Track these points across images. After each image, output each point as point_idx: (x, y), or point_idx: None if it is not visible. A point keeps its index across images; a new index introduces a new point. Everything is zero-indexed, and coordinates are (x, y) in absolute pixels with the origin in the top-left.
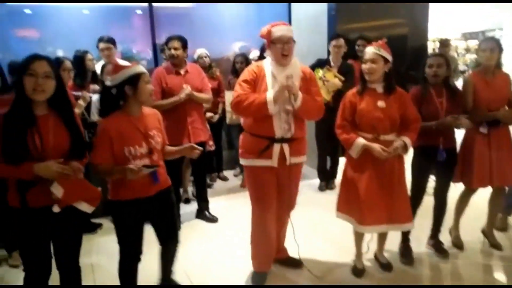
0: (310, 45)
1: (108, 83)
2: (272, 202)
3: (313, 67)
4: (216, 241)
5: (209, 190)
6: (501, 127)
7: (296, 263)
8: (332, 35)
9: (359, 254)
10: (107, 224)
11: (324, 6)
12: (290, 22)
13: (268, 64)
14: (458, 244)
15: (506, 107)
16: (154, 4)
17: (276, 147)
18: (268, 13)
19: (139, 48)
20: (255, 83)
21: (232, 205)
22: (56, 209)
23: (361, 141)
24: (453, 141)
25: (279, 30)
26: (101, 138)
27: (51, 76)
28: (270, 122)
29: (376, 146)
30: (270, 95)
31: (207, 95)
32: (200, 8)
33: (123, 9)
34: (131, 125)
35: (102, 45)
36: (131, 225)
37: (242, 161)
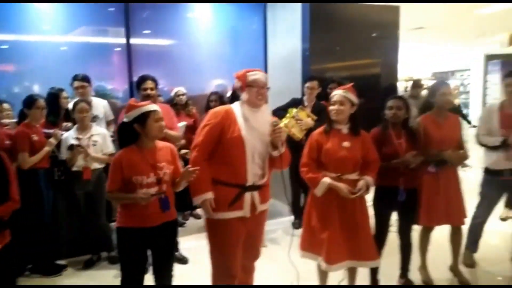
0: (284, 84)
1: (124, 119)
2: (238, 259)
3: (288, 106)
4: (187, 283)
5: (181, 229)
6: (449, 167)
7: None
8: (307, 77)
9: None
10: (72, 265)
11: (298, 46)
12: (265, 61)
13: (238, 107)
14: (427, 282)
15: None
16: (132, 41)
17: (247, 196)
18: (245, 52)
19: (117, 85)
20: (222, 127)
21: (204, 245)
22: None
23: (326, 180)
24: (414, 182)
25: (255, 74)
26: (113, 168)
27: None
28: (243, 167)
29: (342, 186)
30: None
31: (177, 133)
32: (178, 45)
33: (101, 45)
34: (141, 157)
35: (76, 83)
36: (133, 252)
37: (212, 215)
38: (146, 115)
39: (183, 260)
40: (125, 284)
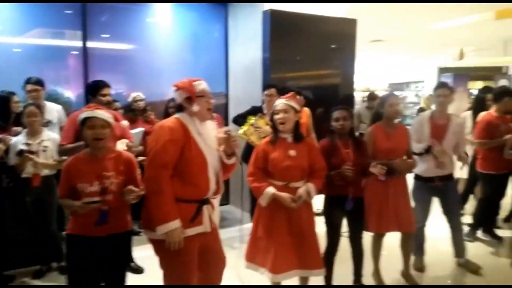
0: (246, 92)
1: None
2: (195, 277)
3: (247, 114)
4: None
5: (137, 238)
6: (398, 176)
7: None
8: (265, 85)
9: None
10: (21, 276)
11: (259, 55)
12: (227, 69)
13: (188, 120)
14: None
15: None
16: (89, 45)
17: (205, 209)
18: (207, 59)
19: (73, 89)
20: (183, 144)
21: None
22: None
23: (270, 190)
24: (362, 191)
25: (201, 83)
26: (62, 174)
27: None
28: (206, 183)
29: (285, 196)
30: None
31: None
32: (138, 50)
33: (57, 48)
34: (88, 165)
35: (29, 86)
36: (80, 260)
37: (163, 236)
38: (82, 122)
39: (138, 270)
40: None
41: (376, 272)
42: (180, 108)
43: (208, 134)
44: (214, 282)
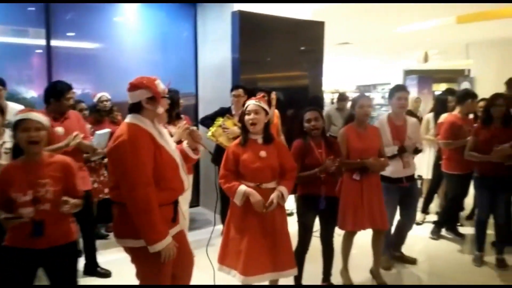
0: (215, 93)
1: None
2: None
3: (215, 115)
4: None
5: (103, 242)
6: (372, 174)
7: None
8: (233, 86)
9: None
10: None
11: (228, 56)
12: (196, 69)
13: (144, 124)
14: (348, 285)
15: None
16: (53, 43)
17: (179, 209)
18: (175, 59)
19: (36, 89)
20: (151, 153)
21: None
22: None
23: (242, 188)
24: (334, 190)
25: (161, 83)
26: None
27: None
28: (180, 184)
29: (257, 200)
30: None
31: (88, 142)
32: (104, 49)
33: (20, 47)
34: (21, 172)
35: None
36: (11, 274)
37: (138, 243)
38: (15, 125)
39: (106, 274)
40: None
41: (345, 269)
42: (132, 110)
43: (166, 134)
44: (186, 278)
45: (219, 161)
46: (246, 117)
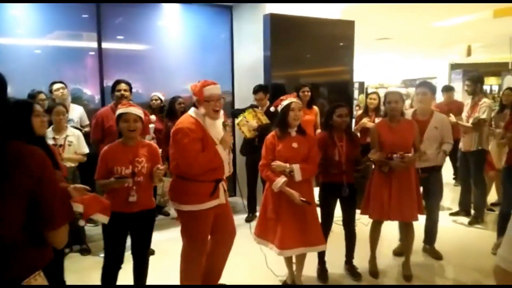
0: (249, 91)
1: None
2: (207, 241)
3: (245, 109)
4: (153, 271)
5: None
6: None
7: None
8: (254, 89)
9: (291, 273)
10: None
11: (261, 55)
12: (232, 68)
13: (199, 117)
14: (373, 272)
15: (412, 151)
16: (104, 46)
17: (221, 186)
18: (214, 59)
19: (91, 88)
20: (199, 139)
21: (168, 239)
22: (81, 222)
23: (280, 180)
24: (353, 178)
25: (210, 89)
26: (100, 160)
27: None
28: (221, 167)
29: (295, 195)
30: (225, 154)
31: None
32: (150, 51)
33: (75, 50)
34: (122, 151)
35: (58, 85)
36: (113, 234)
37: (191, 207)
38: (118, 117)
39: (150, 252)
40: (106, 264)
41: (372, 258)
42: (194, 105)
43: (218, 128)
44: (225, 244)
45: (245, 152)
46: (291, 113)
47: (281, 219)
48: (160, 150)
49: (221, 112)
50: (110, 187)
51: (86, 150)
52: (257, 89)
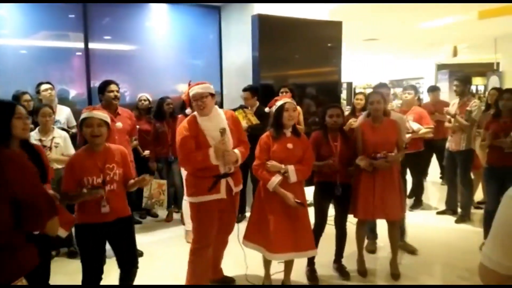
0: (238, 90)
1: None
2: (213, 232)
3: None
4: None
5: (137, 226)
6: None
7: (230, 280)
8: (242, 89)
9: (267, 275)
10: None
11: (249, 56)
12: (221, 68)
13: (196, 115)
14: (361, 271)
15: (396, 150)
16: (91, 46)
17: (223, 182)
18: (203, 60)
19: (78, 88)
20: (193, 136)
21: (158, 240)
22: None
23: (275, 180)
24: (348, 177)
25: (192, 90)
26: (67, 170)
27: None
28: (215, 166)
29: (289, 196)
30: (212, 156)
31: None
32: (138, 51)
33: (62, 50)
34: (90, 159)
35: (45, 85)
36: (90, 246)
37: (192, 199)
38: (81, 121)
39: (138, 254)
40: (86, 277)
41: (360, 257)
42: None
43: (214, 130)
44: (221, 242)
45: None
46: (285, 114)
47: (274, 221)
48: (147, 152)
49: (217, 109)
50: (82, 200)
51: (73, 151)
52: (246, 88)
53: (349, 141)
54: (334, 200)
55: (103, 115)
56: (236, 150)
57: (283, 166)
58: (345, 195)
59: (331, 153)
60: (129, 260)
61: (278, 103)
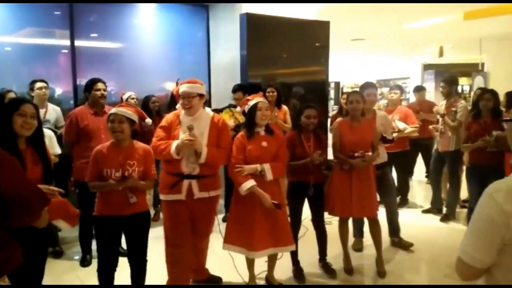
0: (226, 89)
1: None
2: (184, 231)
3: (224, 109)
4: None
5: None
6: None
7: (216, 279)
8: (233, 88)
9: (252, 276)
10: None
11: (237, 54)
12: (209, 67)
13: (182, 113)
14: (348, 269)
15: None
16: (77, 44)
17: (185, 183)
18: (191, 58)
19: (63, 86)
20: (170, 128)
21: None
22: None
23: (247, 184)
24: (321, 178)
25: (182, 87)
26: (91, 160)
27: (35, 116)
28: (178, 162)
29: (266, 197)
30: (173, 148)
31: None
32: (125, 49)
33: (47, 47)
34: (113, 153)
35: (39, 84)
36: (106, 238)
37: (161, 196)
38: (108, 117)
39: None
40: (101, 267)
41: (345, 255)
42: (174, 100)
43: (199, 127)
44: (201, 244)
45: None
46: (259, 113)
47: (252, 220)
48: None
49: (205, 111)
50: (108, 189)
51: (58, 150)
52: (236, 88)
53: (321, 141)
54: (308, 200)
55: (128, 112)
56: (204, 146)
57: (258, 166)
58: (318, 195)
59: (305, 153)
60: (139, 256)
61: (251, 103)
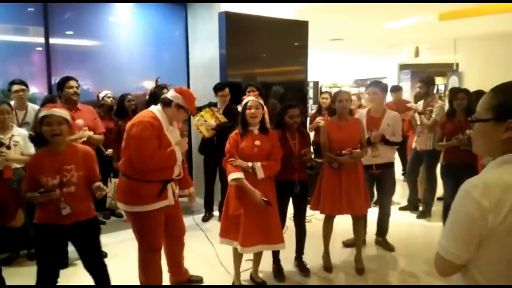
0: (205, 88)
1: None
2: (162, 235)
3: (203, 108)
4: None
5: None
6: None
7: (197, 279)
8: (217, 85)
9: (237, 273)
10: None
11: (216, 53)
12: (187, 66)
13: (162, 118)
14: (327, 267)
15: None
16: (52, 41)
17: (169, 187)
18: (169, 57)
19: (38, 85)
20: (156, 134)
21: (121, 240)
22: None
23: (235, 175)
24: (305, 176)
25: (192, 102)
26: (26, 170)
27: None
28: (171, 167)
29: (257, 194)
30: (179, 154)
31: (100, 136)
32: (101, 47)
33: (21, 45)
34: (49, 159)
35: (16, 87)
36: (44, 247)
37: (137, 209)
38: (40, 120)
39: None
40: (40, 277)
41: (326, 253)
42: (162, 102)
43: (175, 130)
44: (178, 246)
45: (205, 150)
46: (247, 112)
47: (244, 216)
48: (110, 150)
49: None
50: (37, 201)
51: (33, 150)
52: (221, 86)
53: (306, 139)
54: (293, 198)
55: (64, 112)
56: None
57: (249, 164)
58: (303, 193)
59: (291, 151)
60: (94, 264)
61: (244, 102)
